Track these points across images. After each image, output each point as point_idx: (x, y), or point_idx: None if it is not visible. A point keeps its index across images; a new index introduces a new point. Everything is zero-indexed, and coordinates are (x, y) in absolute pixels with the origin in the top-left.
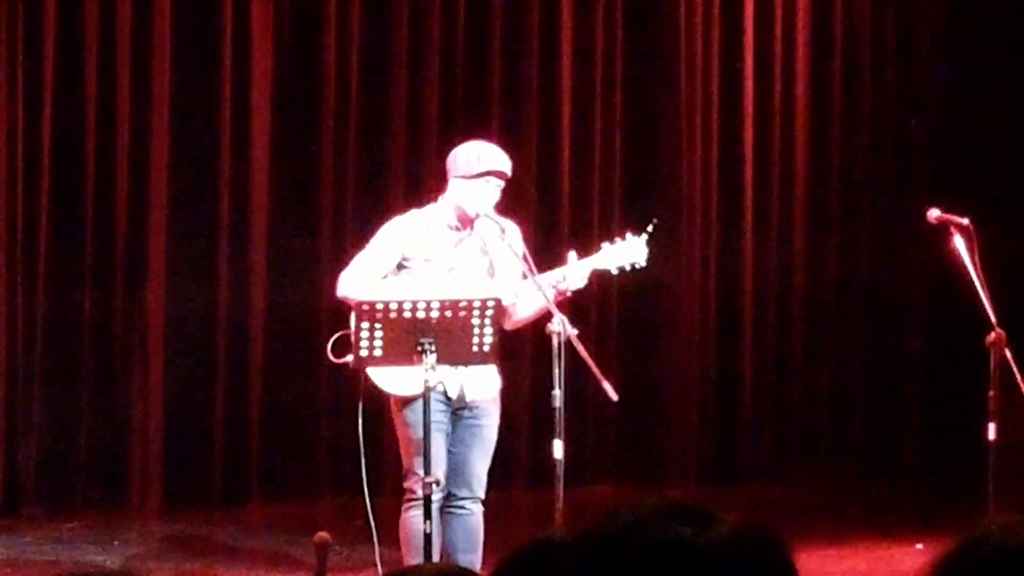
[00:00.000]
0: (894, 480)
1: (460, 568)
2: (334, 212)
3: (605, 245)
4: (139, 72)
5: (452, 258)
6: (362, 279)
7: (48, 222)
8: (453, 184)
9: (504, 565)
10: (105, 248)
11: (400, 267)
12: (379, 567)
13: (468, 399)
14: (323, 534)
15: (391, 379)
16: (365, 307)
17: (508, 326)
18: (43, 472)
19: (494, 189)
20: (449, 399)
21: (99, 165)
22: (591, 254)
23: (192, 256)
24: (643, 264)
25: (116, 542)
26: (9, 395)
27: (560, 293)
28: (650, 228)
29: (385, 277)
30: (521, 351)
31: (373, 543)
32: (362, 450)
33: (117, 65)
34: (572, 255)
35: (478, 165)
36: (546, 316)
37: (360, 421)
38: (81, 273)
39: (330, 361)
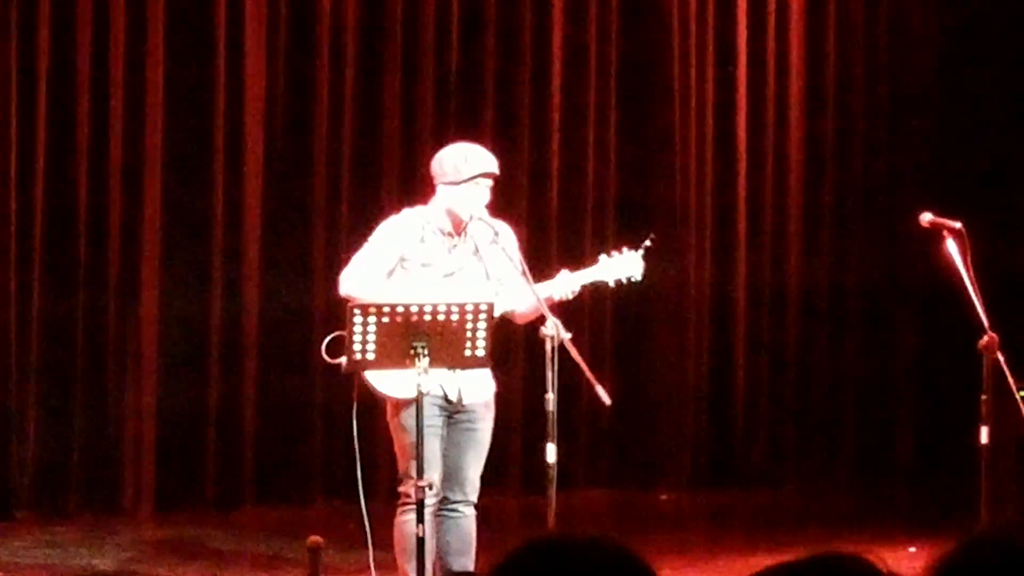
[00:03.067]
0: (887, 484)
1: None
2: (327, 217)
3: (602, 258)
4: (132, 78)
5: (448, 264)
6: (365, 277)
7: (41, 229)
8: (442, 191)
9: (500, 566)
10: (99, 253)
11: (399, 267)
12: (372, 570)
13: (465, 402)
14: (316, 538)
15: (388, 381)
16: (358, 310)
17: (519, 321)
18: (37, 476)
19: (484, 190)
20: (449, 402)
21: (92, 171)
22: (584, 266)
23: (185, 260)
24: (639, 279)
25: (109, 546)
26: (3, 399)
27: (547, 300)
28: (647, 243)
29: (389, 275)
30: (514, 355)
31: (367, 546)
32: (357, 452)
33: (110, 70)
34: (564, 272)
35: (467, 169)
36: (539, 320)
37: (355, 424)
38: (75, 277)
39: (324, 361)
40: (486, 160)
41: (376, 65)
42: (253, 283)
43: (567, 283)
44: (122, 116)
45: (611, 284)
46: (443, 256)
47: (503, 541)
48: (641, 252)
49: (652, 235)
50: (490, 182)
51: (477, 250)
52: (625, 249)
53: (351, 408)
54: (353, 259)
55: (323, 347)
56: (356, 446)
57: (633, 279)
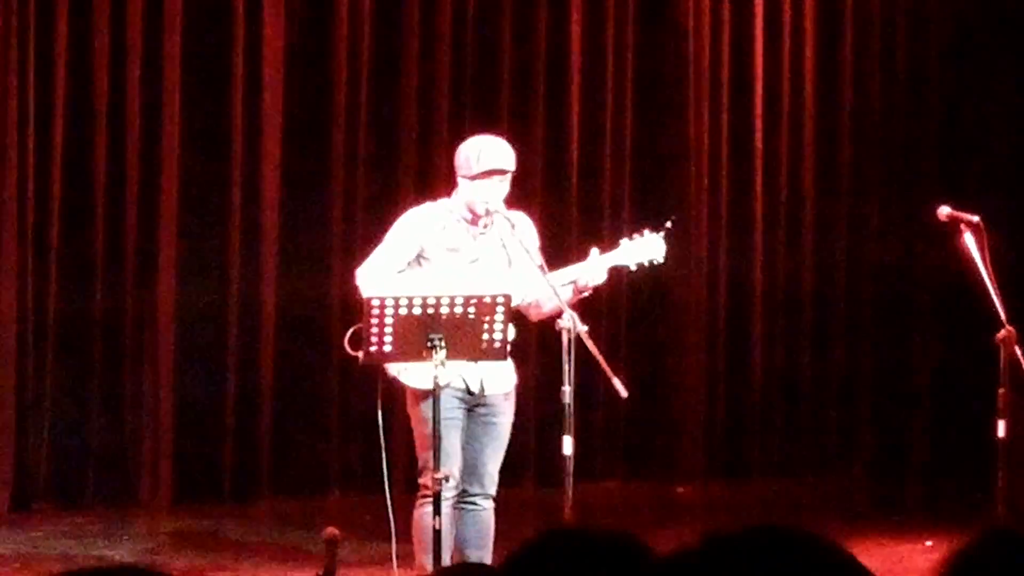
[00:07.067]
0: (903, 477)
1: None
2: (345, 207)
3: (624, 241)
4: (149, 67)
5: (474, 250)
6: (380, 272)
7: (59, 219)
8: (461, 183)
9: (515, 557)
10: (116, 243)
11: (420, 259)
12: (395, 561)
13: (486, 393)
14: (332, 529)
15: (410, 371)
16: (375, 303)
17: (534, 318)
18: (54, 467)
19: (498, 184)
20: (471, 394)
21: (109, 161)
22: (607, 251)
23: (202, 251)
24: (661, 261)
25: (126, 537)
26: (20, 390)
27: (581, 289)
28: (668, 225)
29: (402, 271)
30: (530, 348)
31: (391, 538)
32: (383, 444)
33: (128, 60)
34: (594, 251)
35: (478, 164)
36: (556, 312)
37: (380, 415)
38: (92, 268)
39: (341, 353)
40: (498, 156)
41: (393, 60)
42: (270, 276)
43: (595, 267)
44: (139, 109)
45: (633, 268)
46: (468, 242)
47: (520, 533)
48: (662, 234)
49: (673, 216)
50: (504, 177)
51: (502, 240)
52: (646, 232)
53: (370, 399)
54: (371, 254)
55: (346, 339)
56: (381, 437)
57: (656, 262)
